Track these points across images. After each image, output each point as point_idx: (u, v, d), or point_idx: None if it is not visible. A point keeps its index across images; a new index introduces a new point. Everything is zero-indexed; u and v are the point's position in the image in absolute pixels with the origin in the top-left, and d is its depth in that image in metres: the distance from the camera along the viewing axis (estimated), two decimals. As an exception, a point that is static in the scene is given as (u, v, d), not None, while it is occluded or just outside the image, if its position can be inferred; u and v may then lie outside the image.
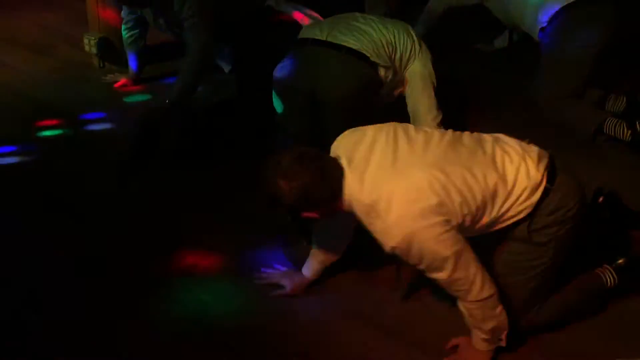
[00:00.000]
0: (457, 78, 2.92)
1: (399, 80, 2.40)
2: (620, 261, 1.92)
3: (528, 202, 1.60)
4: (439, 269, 1.54)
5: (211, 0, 2.73)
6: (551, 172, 1.63)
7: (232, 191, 2.34)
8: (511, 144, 1.67)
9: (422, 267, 1.56)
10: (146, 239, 2.15)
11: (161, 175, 2.47)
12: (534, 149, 1.67)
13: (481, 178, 1.56)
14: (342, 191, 1.57)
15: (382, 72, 2.30)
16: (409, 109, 2.44)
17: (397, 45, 2.35)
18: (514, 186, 1.59)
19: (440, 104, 2.40)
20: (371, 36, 2.31)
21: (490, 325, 1.62)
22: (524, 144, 1.69)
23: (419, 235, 1.50)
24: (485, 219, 1.60)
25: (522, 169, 1.60)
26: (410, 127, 1.71)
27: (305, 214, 1.63)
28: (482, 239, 1.67)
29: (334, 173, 1.57)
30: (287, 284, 1.94)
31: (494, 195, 1.58)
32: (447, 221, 1.52)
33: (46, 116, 2.87)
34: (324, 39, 2.29)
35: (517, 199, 1.60)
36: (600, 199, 2.23)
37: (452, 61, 2.95)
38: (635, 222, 2.22)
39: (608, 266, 1.90)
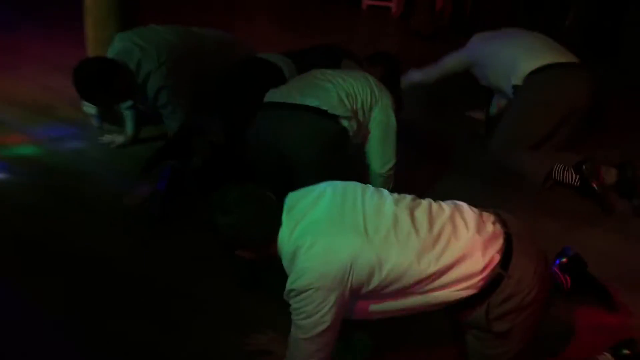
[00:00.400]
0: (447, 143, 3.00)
1: (366, 128, 2.44)
2: (626, 352, 1.91)
3: (469, 286, 1.57)
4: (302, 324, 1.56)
5: (185, 82, 2.77)
6: (506, 255, 1.58)
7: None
8: (468, 220, 1.63)
9: (295, 312, 1.58)
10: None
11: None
12: (488, 230, 1.62)
13: (414, 261, 1.55)
14: (275, 236, 1.59)
15: (344, 123, 2.33)
16: (366, 152, 2.50)
17: (357, 94, 2.40)
18: (449, 269, 1.56)
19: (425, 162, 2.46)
20: (328, 91, 2.36)
21: None
22: (483, 218, 1.65)
23: (312, 293, 1.52)
24: (410, 292, 1.58)
25: (468, 254, 1.57)
26: (369, 189, 1.70)
27: (238, 252, 1.66)
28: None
29: (272, 218, 1.61)
30: (277, 349, 1.87)
31: (423, 277, 1.55)
32: (342, 294, 1.53)
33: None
34: (284, 101, 2.34)
35: (454, 282, 1.57)
36: (565, 260, 2.30)
37: (445, 126, 3.03)
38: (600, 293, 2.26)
39: (609, 354, 1.89)
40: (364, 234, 1.55)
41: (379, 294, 1.58)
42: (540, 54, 3.06)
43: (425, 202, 1.69)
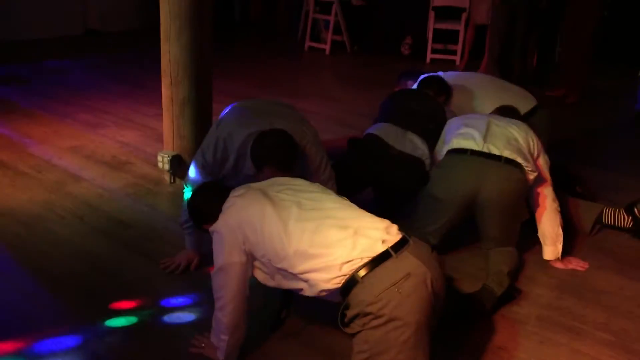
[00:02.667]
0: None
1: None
2: None
3: (329, 279, 1.83)
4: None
5: None
6: (374, 264, 1.79)
7: None
8: (357, 222, 1.91)
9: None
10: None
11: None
12: (371, 236, 1.85)
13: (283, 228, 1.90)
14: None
15: (530, 176, 2.69)
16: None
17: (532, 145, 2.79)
18: (311, 256, 1.84)
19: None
20: (518, 142, 2.71)
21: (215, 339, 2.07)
22: (385, 228, 1.90)
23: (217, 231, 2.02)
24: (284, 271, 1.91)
25: (333, 249, 1.83)
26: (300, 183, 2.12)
27: (204, 226, 2.15)
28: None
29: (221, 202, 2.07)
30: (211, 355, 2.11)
31: (306, 256, 1.85)
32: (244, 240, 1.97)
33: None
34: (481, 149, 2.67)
35: (315, 269, 1.84)
36: None
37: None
38: None
39: None
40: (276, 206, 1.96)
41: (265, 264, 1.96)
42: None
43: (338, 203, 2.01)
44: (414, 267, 1.81)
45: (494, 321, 2.42)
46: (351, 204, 2.05)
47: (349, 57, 7.36)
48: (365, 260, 1.81)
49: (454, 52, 6.86)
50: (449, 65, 6.61)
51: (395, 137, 3.02)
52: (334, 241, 1.84)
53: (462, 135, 2.78)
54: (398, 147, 2.98)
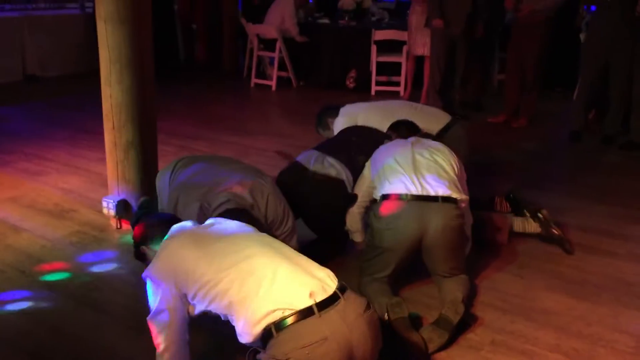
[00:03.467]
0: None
1: None
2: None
3: (248, 330, 1.79)
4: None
5: None
6: (294, 317, 1.74)
7: None
8: (284, 274, 1.85)
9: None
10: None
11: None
12: (296, 289, 1.79)
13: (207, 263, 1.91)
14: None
15: (464, 204, 2.73)
16: None
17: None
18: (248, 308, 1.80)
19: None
20: (447, 171, 2.76)
21: None
22: (320, 281, 1.84)
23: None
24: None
25: (250, 299, 1.80)
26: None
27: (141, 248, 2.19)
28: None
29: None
30: None
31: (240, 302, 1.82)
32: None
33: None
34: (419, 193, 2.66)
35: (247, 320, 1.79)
36: None
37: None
38: None
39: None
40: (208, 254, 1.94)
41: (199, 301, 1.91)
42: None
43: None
44: (334, 331, 1.75)
45: (448, 348, 2.42)
46: (291, 249, 2.04)
47: (295, 92, 7.42)
48: (287, 312, 1.76)
49: (398, 84, 7.02)
50: (394, 96, 6.74)
51: (315, 161, 3.09)
52: (257, 289, 1.81)
53: (394, 173, 2.75)
54: (314, 169, 3.05)
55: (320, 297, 1.78)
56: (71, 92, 6.85)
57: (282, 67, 7.38)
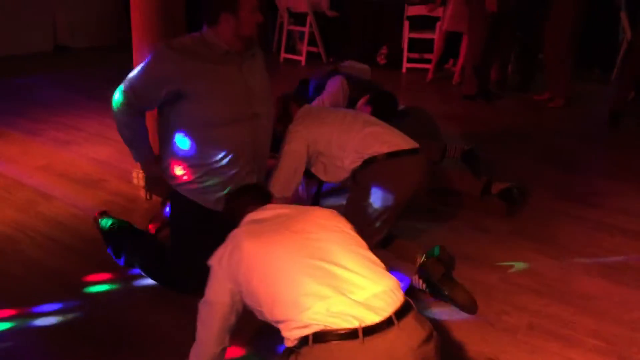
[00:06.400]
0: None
1: None
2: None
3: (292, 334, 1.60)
4: None
5: None
6: (333, 336, 1.52)
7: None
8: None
9: None
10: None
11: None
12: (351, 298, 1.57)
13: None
14: None
15: None
16: None
17: None
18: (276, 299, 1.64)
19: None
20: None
21: None
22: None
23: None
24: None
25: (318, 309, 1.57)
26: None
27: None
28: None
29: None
30: None
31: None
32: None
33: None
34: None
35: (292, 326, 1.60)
36: None
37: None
38: None
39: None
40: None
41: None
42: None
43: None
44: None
45: (484, 331, 2.36)
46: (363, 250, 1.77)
47: (325, 67, 7.30)
48: (331, 327, 1.53)
49: (429, 61, 6.86)
50: (425, 74, 6.59)
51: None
52: (308, 299, 1.59)
53: (374, 137, 2.70)
54: None
55: (369, 320, 1.54)
56: (101, 64, 6.85)
57: (312, 42, 7.28)
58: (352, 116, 2.80)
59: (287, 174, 2.65)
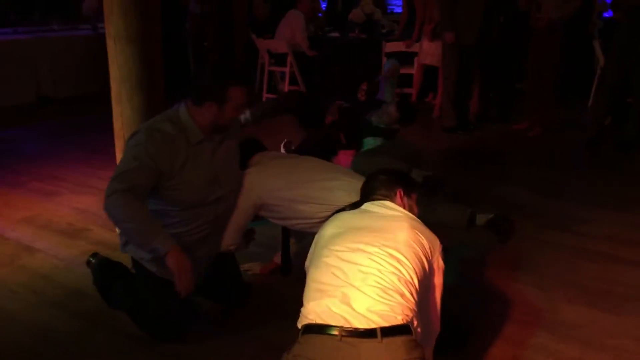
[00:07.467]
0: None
1: None
2: None
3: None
4: None
5: None
6: (313, 330, 1.66)
7: None
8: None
9: None
10: None
11: None
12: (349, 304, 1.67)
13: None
14: None
15: None
16: None
17: None
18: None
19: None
20: None
21: None
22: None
23: None
24: None
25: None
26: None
27: None
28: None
29: None
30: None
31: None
32: None
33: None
34: None
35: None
36: None
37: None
38: None
39: None
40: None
41: None
42: None
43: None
44: None
45: (469, 365, 2.36)
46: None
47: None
48: (316, 322, 1.69)
49: (410, 95, 6.98)
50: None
51: None
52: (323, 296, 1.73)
53: None
54: None
55: (353, 325, 1.63)
56: (84, 112, 6.89)
57: (293, 81, 7.38)
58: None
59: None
